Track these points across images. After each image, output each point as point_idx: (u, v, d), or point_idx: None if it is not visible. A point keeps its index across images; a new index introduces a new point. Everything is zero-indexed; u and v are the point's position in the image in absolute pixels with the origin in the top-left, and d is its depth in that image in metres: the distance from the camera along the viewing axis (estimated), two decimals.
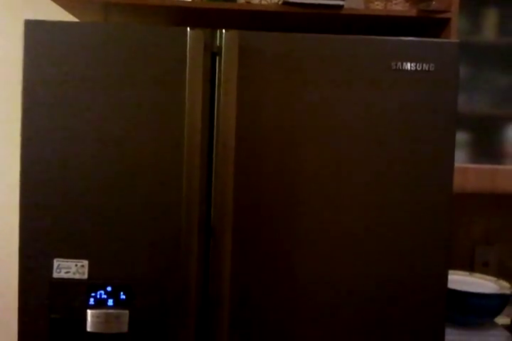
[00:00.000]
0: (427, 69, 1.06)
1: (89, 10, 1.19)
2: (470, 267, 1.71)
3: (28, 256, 0.98)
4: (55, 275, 0.98)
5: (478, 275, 1.50)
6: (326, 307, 1.04)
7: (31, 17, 1.45)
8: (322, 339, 1.04)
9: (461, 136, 1.48)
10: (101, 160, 0.99)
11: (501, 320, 1.59)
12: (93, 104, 0.98)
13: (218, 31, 0.98)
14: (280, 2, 1.17)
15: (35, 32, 0.96)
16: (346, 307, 1.05)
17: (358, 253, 1.05)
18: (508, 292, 1.33)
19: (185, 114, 0.95)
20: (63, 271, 0.98)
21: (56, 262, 0.98)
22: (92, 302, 0.99)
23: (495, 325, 1.39)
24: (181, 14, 1.20)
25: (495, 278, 1.46)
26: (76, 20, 1.39)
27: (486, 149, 1.50)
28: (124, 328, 0.99)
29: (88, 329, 0.98)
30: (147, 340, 1.01)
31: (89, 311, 0.98)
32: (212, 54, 0.98)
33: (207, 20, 1.26)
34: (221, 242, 0.98)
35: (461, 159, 1.47)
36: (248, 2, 1.15)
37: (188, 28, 0.95)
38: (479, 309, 1.33)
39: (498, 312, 1.35)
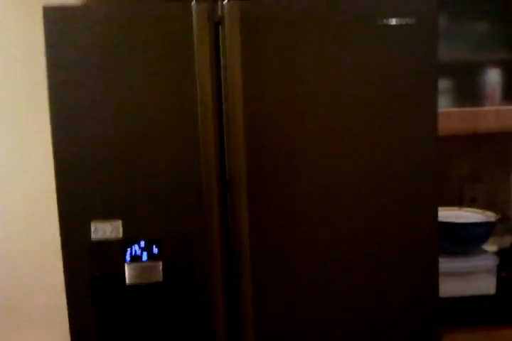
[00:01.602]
0: (409, 23, 1.15)
1: None
2: (459, 204, 1.85)
3: (67, 220, 1.09)
4: (93, 236, 1.10)
5: (466, 209, 1.65)
6: (330, 247, 1.18)
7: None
8: (327, 282, 1.18)
9: (444, 83, 1.59)
10: (125, 130, 1.08)
11: (490, 247, 1.76)
12: (113, 81, 1.07)
13: (219, 2, 1.06)
14: None
15: (54, 17, 1.03)
16: (347, 244, 1.18)
17: (354, 195, 1.17)
18: (492, 219, 1.48)
19: (197, 81, 1.04)
20: (100, 232, 1.10)
21: (93, 225, 1.09)
22: (129, 258, 1.11)
23: (483, 251, 1.55)
24: None
25: (482, 210, 1.61)
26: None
27: (468, 93, 1.61)
28: (159, 278, 1.11)
29: (127, 282, 1.11)
30: (180, 287, 1.14)
31: (126, 265, 1.10)
32: (215, 24, 1.06)
33: None
34: (237, 195, 1.10)
35: (445, 104, 1.59)
36: None
37: (193, 1, 1.03)
38: (468, 237, 1.49)
39: (484, 239, 1.51)
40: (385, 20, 1.14)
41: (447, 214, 1.63)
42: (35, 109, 1.78)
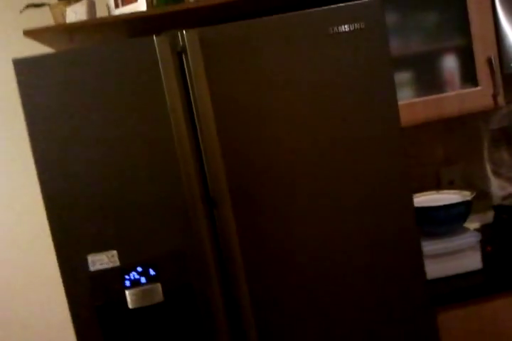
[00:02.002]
0: (359, 27, 1.21)
1: (56, 36, 1.28)
2: (438, 187, 1.92)
3: (64, 255, 1.14)
4: (92, 268, 1.15)
5: (443, 191, 1.72)
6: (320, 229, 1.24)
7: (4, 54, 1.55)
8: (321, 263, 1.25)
9: (404, 76, 1.65)
10: (106, 164, 1.13)
11: (472, 225, 1.83)
12: (90, 119, 1.12)
13: (179, 32, 1.11)
14: None
15: (25, 68, 1.07)
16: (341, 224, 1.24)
17: (334, 191, 1.23)
18: (469, 198, 1.55)
19: (169, 108, 1.10)
20: (97, 263, 1.15)
21: (90, 258, 1.14)
22: (128, 283, 1.16)
23: (465, 230, 1.62)
24: (140, 23, 1.31)
25: (458, 191, 1.68)
26: (46, 48, 1.49)
27: (429, 82, 1.68)
28: (160, 298, 1.17)
29: (130, 306, 1.16)
30: (182, 303, 1.20)
31: (127, 291, 1.15)
32: (177, 53, 1.12)
33: (162, 24, 1.37)
34: (223, 210, 1.15)
35: (408, 96, 1.65)
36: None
37: (154, 36, 1.08)
38: (448, 218, 1.55)
39: (464, 218, 1.58)
40: (335, 29, 1.19)
41: (425, 198, 1.70)
42: (21, 154, 1.83)
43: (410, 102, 1.62)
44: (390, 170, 1.25)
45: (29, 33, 1.24)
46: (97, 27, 1.25)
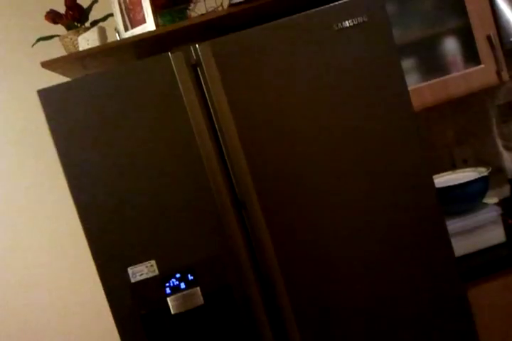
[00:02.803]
0: (362, 21, 1.24)
1: (70, 64, 1.32)
2: (452, 167, 1.95)
3: (104, 269, 1.18)
4: (132, 280, 1.19)
5: (459, 170, 1.74)
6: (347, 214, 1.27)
7: (24, 85, 1.61)
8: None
9: (409, 62, 1.67)
10: (137, 176, 1.18)
11: (490, 200, 1.86)
12: (116, 135, 1.16)
13: (191, 47, 1.15)
14: (226, 5, 1.31)
15: (49, 97, 1.11)
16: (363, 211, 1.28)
17: (358, 180, 1.26)
18: (485, 174, 1.58)
19: (190, 119, 1.14)
20: (137, 274, 1.19)
21: (130, 269, 1.18)
22: (169, 291, 1.20)
23: (485, 205, 1.64)
24: (150, 43, 1.34)
25: (474, 168, 1.70)
26: (62, 77, 1.53)
27: (434, 66, 1.70)
28: (200, 301, 1.21)
29: (172, 312, 1.20)
30: (222, 305, 1.24)
31: (168, 298, 1.19)
32: (192, 66, 1.16)
33: (170, 41, 1.41)
34: (252, 211, 1.19)
35: (416, 81, 1.67)
36: (202, 14, 1.29)
37: (169, 52, 1.12)
38: (467, 196, 1.58)
39: (483, 193, 1.60)
40: (339, 25, 1.22)
41: (443, 179, 1.72)
42: (54, 176, 1.89)
43: (417, 87, 1.64)
44: (409, 155, 1.28)
45: (46, 64, 1.28)
46: (109, 51, 1.28)
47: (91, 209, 1.17)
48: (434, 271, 1.32)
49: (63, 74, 1.43)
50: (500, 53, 1.67)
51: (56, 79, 1.54)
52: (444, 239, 1.33)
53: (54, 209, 1.91)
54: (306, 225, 1.25)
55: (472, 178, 1.60)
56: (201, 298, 1.21)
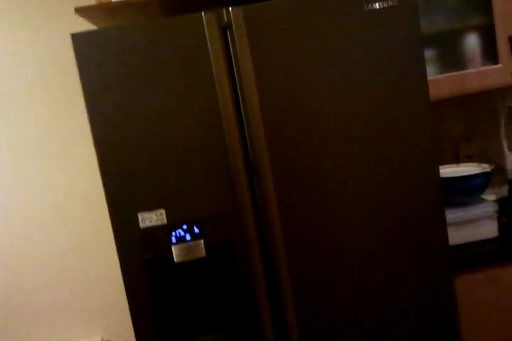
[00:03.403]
0: (392, 4, 1.29)
1: (101, 14, 1.37)
2: (456, 161, 2.01)
3: (116, 213, 1.24)
4: (142, 225, 1.25)
5: (463, 164, 1.80)
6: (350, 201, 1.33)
7: (54, 29, 1.66)
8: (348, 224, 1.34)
9: (429, 53, 1.72)
10: (159, 131, 1.23)
11: (488, 197, 1.92)
12: (143, 91, 1.21)
13: (224, 9, 1.20)
14: None
15: (82, 42, 1.16)
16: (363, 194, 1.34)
17: (366, 161, 1.32)
18: (488, 170, 1.63)
19: (215, 80, 1.19)
20: (147, 220, 1.25)
21: (140, 215, 1.25)
22: (174, 240, 1.26)
23: (483, 200, 1.70)
24: (180, 2, 1.39)
25: (477, 164, 1.76)
26: (91, 25, 1.57)
27: (452, 59, 1.75)
28: (203, 254, 1.27)
29: (175, 260, 1.26)
30: (222, 259, 1.30)
31: (173, 247, 1.26)
32: (223, 28, 1.20)
33: (197, 3, 1.46)
34: (262, 175, 1.24)
35: (432, 72, 1.73)
36: None
37: (202, 12, 1.16)
38: (468, 189, 1.64)
39: (483, 188, 1.66)
40: (370, 6, 1.27)
41: (447, 170, 1.78)
42: (77, 116, 1.94)
43: (434, 78, 1.69)
44: (420, 143, 1.33)
45: (79, 10, 1.33)
46: (139, 6, 1.33)
47: (110, 155, 1.22)
48: (427, 256, 1.38)
49: (92, 21, 1.48)
50: None
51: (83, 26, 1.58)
52: (441, 227, 1.39)
53: (72, 144, 1.97)
54: (312, 194, 1.31)
55: (475, 172, 1.66)
56: (204, 251, 1.27)
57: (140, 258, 1.26)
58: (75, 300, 2.02)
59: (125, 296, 2.01)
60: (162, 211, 1.25)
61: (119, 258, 1.26)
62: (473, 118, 2.04)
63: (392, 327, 1.38)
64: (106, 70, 1.20)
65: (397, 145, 1.33)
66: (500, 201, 2.00)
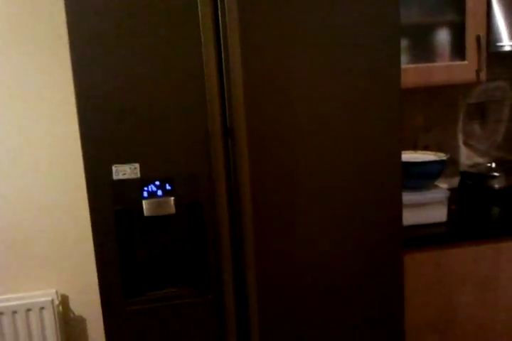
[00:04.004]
0: None
1: None
2: (414, 149, 2.12)
3: (91, 164, 1.26)
4: (115, 177, 1.27)
5: (420, 152, 1.91)
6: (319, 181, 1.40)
7: None
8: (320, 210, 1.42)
9: (401, 43, 1.80)
10: (139, 84, 1.25)
11: (441, 185, 2.04)
12: (125, 41, 1.23)
13: None
14: None
15: None
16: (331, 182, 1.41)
17: (334, 138, 1.39)
18: (444, 158, 1.75)
19: (202, 42, 1.22)
20: (120, 173, 1.27)
21: (114, 167, 1.27)
22: (146, 195, 1.30)
23: (436, 186, 1.82)
24: None
25: (434, 152, 1.87)
26: None
27: (422, 52, 1.85)
28: (172, 210, 1.31)
29: (145, 214, 1.29)
30: (190, 217, 1.35)
31: (144, 201, 1.29)
32: None
33: None
34: (238, 139, 1.29)
35: (402, 62, 1.81)
36: None
37: None
38: (423, 174, 1.75)
39: (437, 175, 1.78)
40: None
41: (405, 156, 1.89)
42: (59, 66, 1.93)
43: (404, 68, 1.78)
44: (386, 126, 1.41)
45: None
46: None
47: (90, 104, 1.23)
48: (382, 233, 1.47)
49: None
50: (484, 54, 1.84)
51: None
52: (397, 207, 1.47)
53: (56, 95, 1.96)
54: (284, 162, 1.36)
55: (432, 159, 1.77)
56: (173, 208, 1.30)
57: (110, 209, 1.29)
58: (31, 251, 2.01)
59: (83, 250, 2.02)
60: (136, 165, 1.28)
61: (90, 208, 1.28)
62: (434, 111, 2.16)
63: (342, 299, 1.47)
64: (95, 23, 1.21)
65: (365, 126, 1.40)
66: (451, 190, 2.14)
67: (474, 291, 1.75)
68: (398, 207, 1.47)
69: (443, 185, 1.99)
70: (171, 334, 1.37)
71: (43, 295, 1.96)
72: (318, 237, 1.42)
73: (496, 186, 2.02)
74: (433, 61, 1.85)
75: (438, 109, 2.16)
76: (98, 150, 1.26)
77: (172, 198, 1.30)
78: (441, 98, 2.16)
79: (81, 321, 2.06)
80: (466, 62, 1.83)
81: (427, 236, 1.70)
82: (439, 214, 1.79)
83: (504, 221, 1.79)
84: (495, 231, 1.73)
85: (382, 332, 1.52)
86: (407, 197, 1.74)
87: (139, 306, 1.34)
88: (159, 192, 1.30)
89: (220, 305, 1.38)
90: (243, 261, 1.35)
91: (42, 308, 1.90)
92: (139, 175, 1.29)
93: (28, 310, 1.90)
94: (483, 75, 1.86)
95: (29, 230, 1.99)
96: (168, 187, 1.31)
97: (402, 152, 1.94)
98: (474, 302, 1.76)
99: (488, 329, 1.79)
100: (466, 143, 2.19)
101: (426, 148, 2.13)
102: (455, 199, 2.04)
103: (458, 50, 1.85)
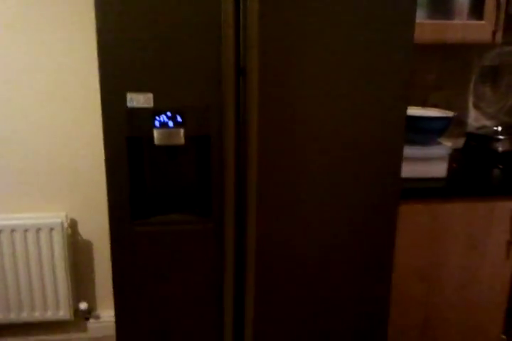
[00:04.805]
0: None
1: None
2: (423, 105, 2.16)
3: (107, 91, 1.32)
4: (129, 105, 1.34)
5: (428, 108, 1.95)
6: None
7: None
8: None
9: None
10: (159, 21, 1.30)
11: (447, 144, 2.08)
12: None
13: None
14: None
15: None
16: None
17: (345, 85, 1.43)
18: (450, 115, 1.79)
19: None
20: (134, 101, 1.34)
21: (129, 95, 1.33)
22: (157, 124, 1.36)
23: (439, 143, 1.87)
24: None
25: (441, 110, 1.91)
26: None
27: (440, 8, 1.86)
28: (181, 141, 1.37)
29: (156, 142, 1.36)
30: (197, 149, 1.42)
31: (155, 130, 1.36)
32: None
33: None
34: (250, 79, 1.34)
35: (420, 16, 1.83)
36: None
37: None
38: (428, 129, 1.79)
39: (442, 131, 1.82)
40: None
41: (412, 111, 1.93)
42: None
43: (420, 23, 1.80)
44: (395, 79, 1.44)
45: None
46: None
47: (110, 32, 1.29)
48: (381, 181, 1.53)
49: None
50: (502, 15, 1.84)
51: None
52: (397, 158, 1.52)
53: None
54: (293, 103, 1.42)
55: (438, 115, 1.81)
56: (183, 139, 1.37)
57: (123, 135, 1.36)
58: (45, 174, 2.12)
59: (94, 179, 2.13)
60: (150, 95, 1.34)
61: (104, 133, 1.36)
62: (447, 70, 2.18)
63: (336, 242, 1.55)
64: None
65: (374, 78, 1.43)
66: (455, 150, 2.18)
67: (464, 245, 1.82)
68: (398, 158, 1.52)
69: (447, 143, 2.03)
70: (173, 257, 1.47)
71: (54, 216, 2.08)
72: (319, 176, 1.49)
73: (500, 149, 2.06)
74: (450, 18, 1.86)
75: (451, 69, 2.17)
76: (115, 78, 1.32)
77: (182, 130, 1.37)
78: (456, 58, 2.17)
79: (88, 245, 2.18)
80: (483, 21, 1.84)
81: (425, 189, 1.76)
82: (439, 169, 1.84)
83: (501, 182, 1.84)
84: (491, 189, 1.78)
85: (371, 278, 1.61)
86: (411, 150, 1.79)
87: (144, 228, 1.43)
88: (170, 123, 1.37)
89: (220, 235, 1.47)
90: (246, 193, 1.42)
91: (51, 229, 2.02)
92: (152, 105, 1.35)
93: (39, 229, 2.02)
94: (498, 37, 1.87)
95: (46, 155, 2.09)
96: (179, 119, 1.37)
97: (411, 107, 1.98)
98: (463, 255, 1.84)
99: (475, 280, 1.88)
100: (475, 105, 2.21)
101: (435, 106, 2.16)
102: (458, 159, 2.09)
103: (476, 9, 1.85)
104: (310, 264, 1.56)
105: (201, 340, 1.57)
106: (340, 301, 1.61)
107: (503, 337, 1.96)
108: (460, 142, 2.21)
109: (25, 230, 2.02)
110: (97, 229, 2.17)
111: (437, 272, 1.85)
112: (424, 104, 2.17)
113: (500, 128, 2.17)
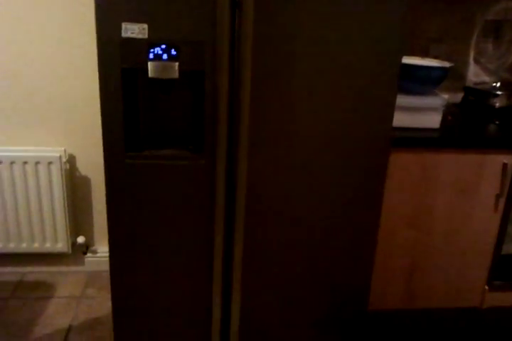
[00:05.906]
0: None
1: None
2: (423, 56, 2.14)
3: (102, 21, 1.32)
4: (123, 35, 1.34)
5: (428, 59, 1.94)
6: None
7: None
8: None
9: None
10: None
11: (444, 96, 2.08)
12: None
13: None
14: None
15: None
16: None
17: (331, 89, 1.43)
18: (447, 65, 1.78)
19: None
20: (129, 31, 1.34)
21: (124, 25, 1.33)
22: (152, 56, 1.37)
23: (435, 93, 1.87)
24: None
25: (441, 61, 1.90)
26: None
27: None
28: (176, 75, 1.38)
29: (150, 75, 1.37)
30: (192, 84, 1.43)
31: (149, 63, 1.36)
32: None
33: None
34: (245, 12, 1.33)
35: None
36: None
37: None
38: (425, 78, 1.79)
39: (439, 81, 1.82)
40: None
41: (410, 60, 1.92)
42: None
43: None
44: (391, 29, 1.43)
45: None
46: None
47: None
48: (373, 130, 1.54)
49: None
50: None
51: None
52: (390, 107, 1.52)
53: None
54: (285, 45, 1.42)
55: (435, 65, 1.80)
56: (177, 73, 1.38)
57: (118, 66, 1.37)
58: (44, 110, 2.15)
59: (92, 116, 2.15)
60: (145, 26, 1.34)
61: (99, 65, 1.36)
62: (450, 23, 2.15)
63: (324, 186, 1.58)
64: None
65: (368, 27, 1.42)
66: (453, 105, 2.18)
67: (453, 195, 1.85)
68: (391, 107, 1.52)
69: (444, 96, 2.03)
70: (164, 191, 1.50)
71: (52, 151, 2.12)
72: (309, 117, 1.50)
73: (497, 104, 2.06)
74: None
75: (454, 21, 2.15)
76: (110, 7, 1.32)
77: (177, 63, 1.38)
78: (460, 11, 2.14)
79: (86, 180, 2.23)
80: None
81: (417, 139, 1.78)
82: (432, 120, 1.85)
83: (496, 136, 1.85)
84: (483, 142, 1.79)
85: (358, 225, 1.64)
86: (405, 99, 1.80)
87: (136, 161, 1.46)
88: (165, 56, 1.37)
89: (212, 172, 1.50)
90: (237, 131, 1.44)
91: (50, 163, 2.06)
92: (146, 36, 1.35)
93: (37, 162, 2.06)
94: None
95: (44, 91, 2.10)
96: (173, 52, 1.37)
97: (410, 57, 1.97)
98: (451, 205, 1.87)
99: (462, 230, 1.92)
100: (476, 60, 2.20)
101: (436, 58, 2.15)
102: (454, 112, 2.09)
103: None
104: (300, 203, 1.59)
105: (191, 274, 1.62)
106: (329, 243, 1.65)
107: (486, 287, 2.02)
108: (458, 97, 2.20)
109: (24, 162, 2.06)
110: (95, 166, 2.20)
111: (425, 219, 1.88)
112: (425, 55, 2.15)
113: (498, 84, 2.16)
